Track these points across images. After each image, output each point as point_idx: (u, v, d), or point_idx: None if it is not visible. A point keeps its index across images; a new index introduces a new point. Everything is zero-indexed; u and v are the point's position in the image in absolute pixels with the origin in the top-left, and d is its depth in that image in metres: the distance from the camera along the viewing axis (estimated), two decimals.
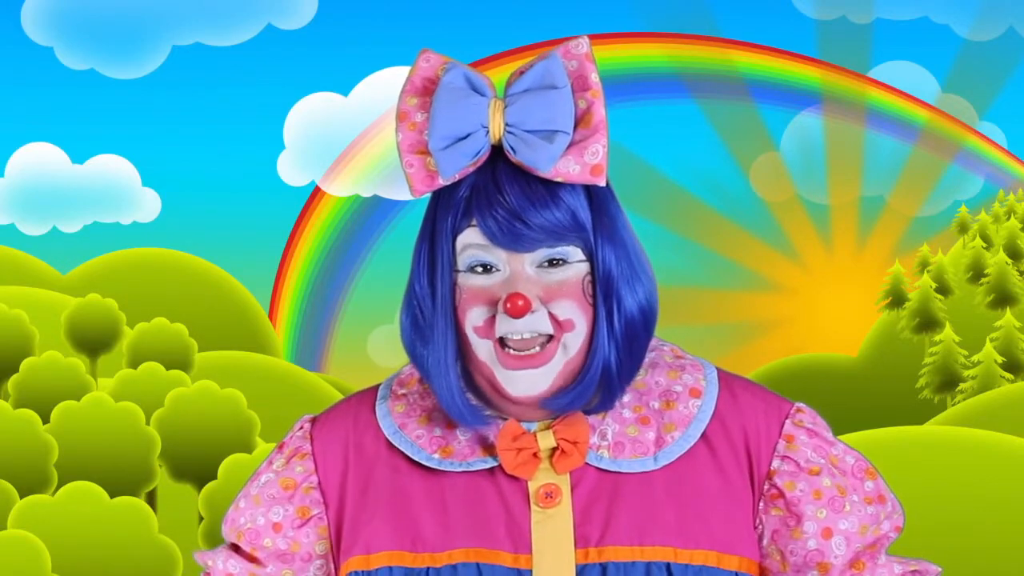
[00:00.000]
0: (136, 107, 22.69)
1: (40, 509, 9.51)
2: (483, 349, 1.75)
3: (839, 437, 1.86)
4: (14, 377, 12.18)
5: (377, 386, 1.90)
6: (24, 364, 12.23)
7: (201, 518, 10.37)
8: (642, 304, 1.78)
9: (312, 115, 21.90)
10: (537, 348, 1.74)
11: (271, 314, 20.27)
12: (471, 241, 1.74)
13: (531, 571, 1.75)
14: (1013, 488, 9.12)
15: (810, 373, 19.38)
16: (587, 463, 1.78)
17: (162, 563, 9.56)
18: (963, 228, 20.50)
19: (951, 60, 22.03)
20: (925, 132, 21.94)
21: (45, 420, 11.03)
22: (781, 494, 1.81)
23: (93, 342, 13.99)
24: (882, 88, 21.90)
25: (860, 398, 18.56)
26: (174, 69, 21.95)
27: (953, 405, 15.70)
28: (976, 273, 19.47)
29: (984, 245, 19.81)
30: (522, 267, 1.74)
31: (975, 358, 17.46)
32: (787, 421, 1.83)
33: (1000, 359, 17.30)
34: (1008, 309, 18.53)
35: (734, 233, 21.67)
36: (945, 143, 21.97)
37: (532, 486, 1.78)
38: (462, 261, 1.75)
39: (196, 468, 11.30)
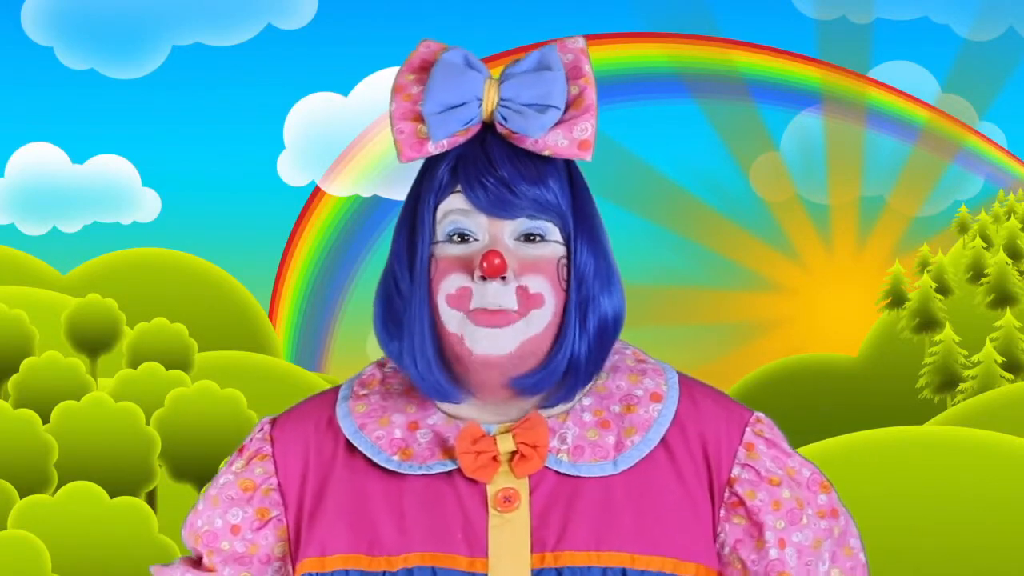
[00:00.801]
0: (136, 107, 22.72)
1: (40, 509, 9.51)
2: (453, 320, 1.75)
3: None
4: (14, 377, 12.19)
5: (338, 387, 1.89)
6: (24, 364, 12.24)
7: None
8: (616, 309, 1.80)
9: (312, 115, 21.91)
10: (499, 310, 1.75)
11: (271, 314, 20.28)
12: (453, 207, 1.76)
13: (487, 575, 1.75)
14: (1013, 488, 9.12)
15: (810, 373, 19.38)
16: (546, 467, 1.78)
17: (162, 563, 9.56)
18: (963, 228, 20.51)
19: (951, 60, 22.05)
20: (925, 132, 21.95)
21: (45, 420, 11.04)
22: (742, 502, 1.81)
23: (93, 342, 14.00)
24: (882, 88, 21.92)
25: (860, 398, 18.57)
26: (174, 69, 21.98)
27: (953, 405, 15.70)
28: (976, 273, 19.48)
29: (984, 245, 19.83)
30: (501, 236, 1.75)
31: (975, 358, 17.47)
32: (747, 429, 1.83)
33: (1000, 359, 17.31)
34: (1008, 309, 18.54)
35: (734, 233, 21.69)
36: (945, 143, 21.98)
37: (491, 490, 1.77)
38: (441, 230, 1.77)
39: (196, 468, 11.31)
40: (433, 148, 1.76)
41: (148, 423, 11.29)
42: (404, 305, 1.78)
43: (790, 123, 21.94)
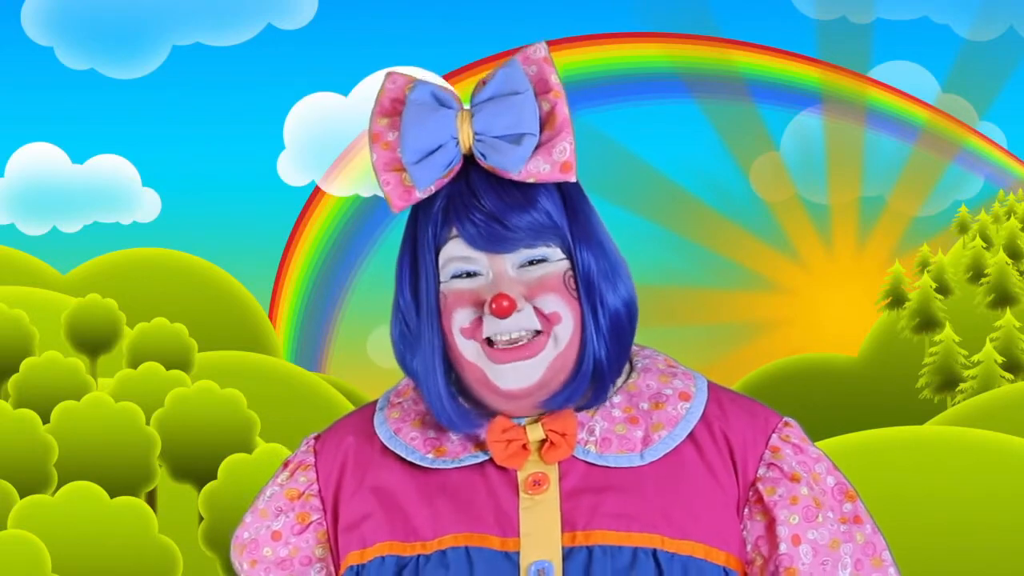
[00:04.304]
0: (136, 107, 22.69)
1: (40, 509, 9.50)
2: (470, 349, 1.79)
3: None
4: (14, 377, 12.18)
5: (376, 400, 1.96)
6: (24, 364, 12.23)
7: (201, 518, 10.36)
8: (626, 300, 1.84)
9: (312, 115, 21.90)
10: (525, 339, 1.78)
11: (271, 314, 20.27)
12: (453, 254, 1.79)
13: (519, 553, 1.78)
14: (1013, 488, 9.12)
15: (810, 373, 19.37)
16: (575, 456, 1.81)
17: (162, 563, 9.56)
18: (963, 228, 20.50)
19: (951, 60, 22.04)
20: (925, 132, 21.94)
21: (45, 420, 11.03)
22: (761, 499, 1.83)
23: (93, 342, 13.98)
24: (882, 88, 21.91)
25: (860, 398, 18.56)
26: (174, 69, 21.96)
27: (953, 405, 15.70)
28: (976, 273, 19.47)
29: (984, 245, 19.82)
30: (504, 269, 1.78)
31: (975, 358, 17.46)
32: (774, 435, 1.86)
33: (1000, 359, 17.30)
34: (1008, 309, 18.53)
35: (734, 233, 21.67)
36: (945, 143, 21.97)
37: (521, 476, 1.81)
38: (445, 273, 1.80)
39: (196, 468, 11.29)
40: (421, 195, 1.79)
41: (148, 423, 11.28)
42: (414, 339, 1.84)
43: (790, 123, 21.93)
